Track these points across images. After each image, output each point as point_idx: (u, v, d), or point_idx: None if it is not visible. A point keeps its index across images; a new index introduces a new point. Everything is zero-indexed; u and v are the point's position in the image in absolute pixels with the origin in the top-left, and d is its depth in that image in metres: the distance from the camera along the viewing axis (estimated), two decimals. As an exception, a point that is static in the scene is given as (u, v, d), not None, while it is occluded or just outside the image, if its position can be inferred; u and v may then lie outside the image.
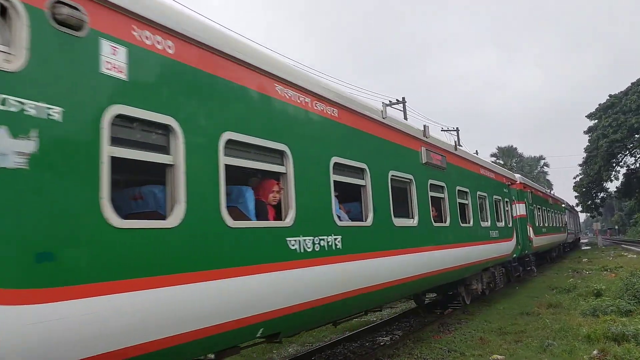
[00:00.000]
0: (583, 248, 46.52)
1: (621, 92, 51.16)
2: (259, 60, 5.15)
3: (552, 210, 27.92)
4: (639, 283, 12.10)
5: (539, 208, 22.91)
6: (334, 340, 9.75)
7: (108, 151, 3.46)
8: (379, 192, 7.19)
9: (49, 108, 3.13)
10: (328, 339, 10.07)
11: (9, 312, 2.82)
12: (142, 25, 3.89)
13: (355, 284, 6.32)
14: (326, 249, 5.72)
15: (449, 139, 13.60)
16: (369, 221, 6.88)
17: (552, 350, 7.88)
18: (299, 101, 5.73)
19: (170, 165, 4.01)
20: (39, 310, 2.95)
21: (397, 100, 30.63)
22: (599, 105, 53.51)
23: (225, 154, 4.50)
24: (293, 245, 5.18)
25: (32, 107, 3.03)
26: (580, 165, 60.07)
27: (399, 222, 7.73)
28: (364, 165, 6.87)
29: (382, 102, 8.51)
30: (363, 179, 6.92)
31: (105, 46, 3.57)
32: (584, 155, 57.36)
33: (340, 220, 6.28)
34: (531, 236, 19.33)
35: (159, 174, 4.17)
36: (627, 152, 52.97)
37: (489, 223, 12.84)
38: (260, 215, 5.17)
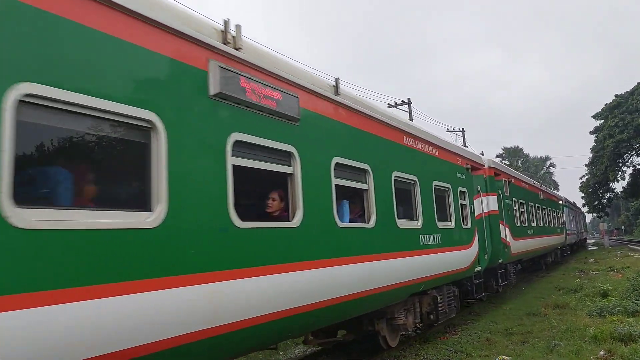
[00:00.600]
0: (589, 248, 46.33)
1: (627, 92, 50.86)
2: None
3: (544, 207, 22.91)
4: (646, 283, 12.08)
5: (522, 203, 17.96)
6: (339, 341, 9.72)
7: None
8: None
9: None
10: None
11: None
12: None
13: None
14: None
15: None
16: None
17: (559, 351, 7.88)
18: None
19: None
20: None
21: (402, 101, 30.66)
22: (605, 105, 53.25)
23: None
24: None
25: None
26: (586, 165, 59.82)
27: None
28: None
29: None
30: None
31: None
32: (590, 155, 57.15)
33: None
34: (508, 240, 14.58)
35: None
36: (634, 152, 52.66)
37: (420, 223, 8.43)
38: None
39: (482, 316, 11.87)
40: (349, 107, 6.87)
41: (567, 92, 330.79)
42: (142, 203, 3.88)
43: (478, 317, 11.76)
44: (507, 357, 7.73)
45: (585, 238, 55.58)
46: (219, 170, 4.49)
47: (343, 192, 6.57)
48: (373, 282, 6.77)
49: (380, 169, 7.35)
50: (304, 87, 5.85)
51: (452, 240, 9.81)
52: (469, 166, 11.40)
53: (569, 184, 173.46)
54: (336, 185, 6.23)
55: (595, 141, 55.00)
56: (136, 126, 3.85)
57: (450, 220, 9.89)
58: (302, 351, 9.43)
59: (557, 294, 14.78)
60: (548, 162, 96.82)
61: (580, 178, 62.21)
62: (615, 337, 8.16)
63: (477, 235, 11.30)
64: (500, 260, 13.67)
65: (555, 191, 33.41)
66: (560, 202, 30.35)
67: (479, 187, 12.76)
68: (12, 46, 3.10)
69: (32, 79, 3.16)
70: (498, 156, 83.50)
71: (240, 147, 4.77)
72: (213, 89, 4.49)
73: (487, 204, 13.44)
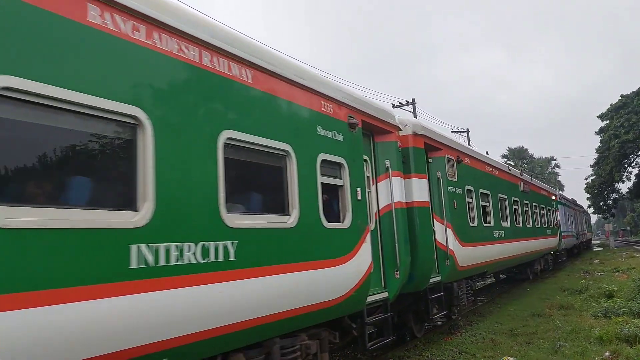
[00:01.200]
0: (595, 249, 46.15)
1: (633, 92, 50.59)
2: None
3: (526, 202, 17.60)
4: (652, 285, 12.04)
5: (484, 195, 12.60)
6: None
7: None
8: None
9: None
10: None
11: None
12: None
13: None
14: None
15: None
16: None
17: (564, 352, 7.88)
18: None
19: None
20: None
21: (407, 101, 30.66)
22: (611, 105, 53.00)
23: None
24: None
25: None
26: (591, 166, 59.60)
27: None
28: None
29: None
30: None
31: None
32: (596, 156, 56.91)
33: None
34: (450, 247, 9.63)
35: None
36: (639, 152, 52.46)
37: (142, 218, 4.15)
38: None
39: (486, 317, 11.87)
40: None
41: (572, 92, 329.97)
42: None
43: (482, 318, 11.75)
44: (512, 358, 7.73)
45: (590, 239, 55.33)
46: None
47: None
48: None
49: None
50: None
51: (282, 250, 5.08)
52: (354, 121, 6.74)
53: (575, 185, 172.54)
54: None
55: (601, 142, 54.78)
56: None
57: (287, 213, 5.31)
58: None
59: (562, 294, 14.75)
60: (553, 163, 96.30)
61: (586, 179, 62.07)
62: (620, 338, 8.15)
63: (368, 239, 6.68)
64: (437, 279, 9.17)
65: (546, 185, 27.51)
66: (554, 197, 24.89)
67: (387, 163, 7.80)
68: None
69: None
70: (503, 156, 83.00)
71: None
72: None
73: (407, 190, 8.30)
